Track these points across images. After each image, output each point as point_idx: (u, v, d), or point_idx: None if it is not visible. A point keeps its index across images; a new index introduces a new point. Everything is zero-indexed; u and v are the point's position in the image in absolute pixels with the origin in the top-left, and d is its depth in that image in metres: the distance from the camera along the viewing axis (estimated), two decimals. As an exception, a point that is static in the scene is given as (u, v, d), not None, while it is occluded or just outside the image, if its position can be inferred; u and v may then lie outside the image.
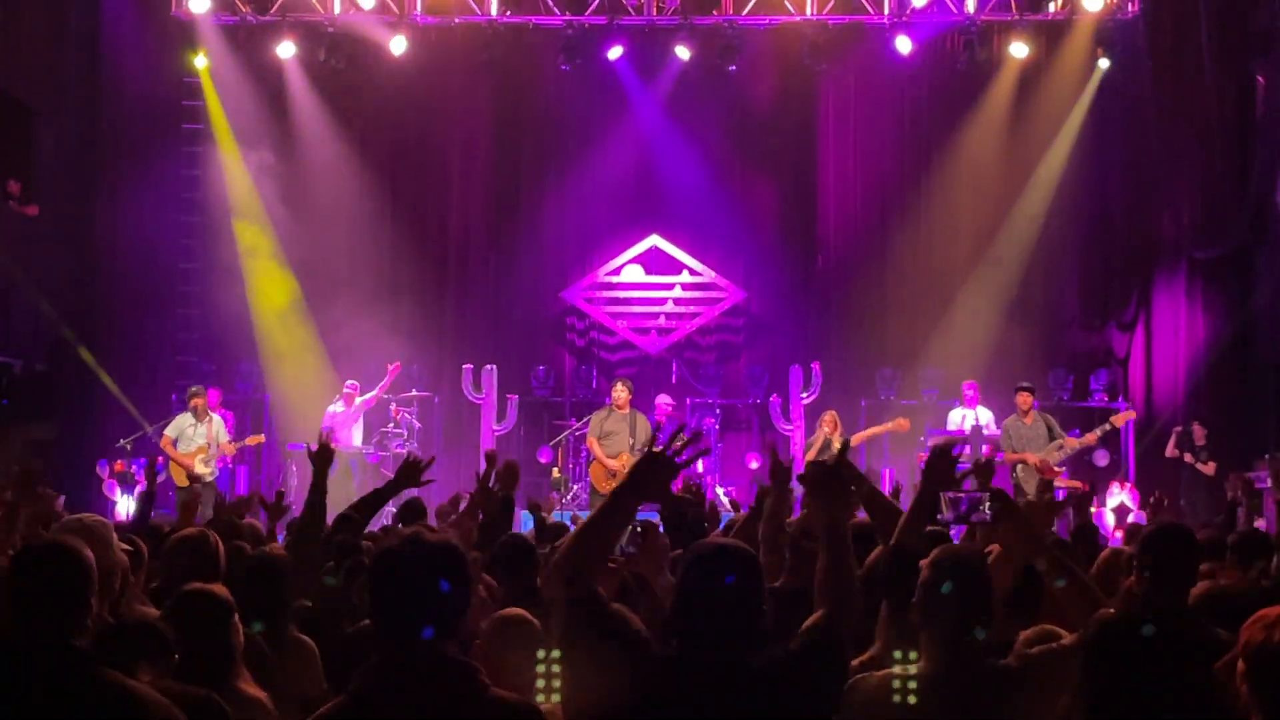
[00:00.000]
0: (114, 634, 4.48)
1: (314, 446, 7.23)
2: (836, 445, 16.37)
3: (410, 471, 7.40)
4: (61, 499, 13.81)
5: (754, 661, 3.89)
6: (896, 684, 4.33)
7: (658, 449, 4.14)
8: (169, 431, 16.64)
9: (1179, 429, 17.28)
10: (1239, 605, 4.80)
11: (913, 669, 4.37)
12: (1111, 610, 4.56)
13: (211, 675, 4.71)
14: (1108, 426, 16.69)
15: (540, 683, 4.01)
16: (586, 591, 3.99)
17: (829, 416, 17.10)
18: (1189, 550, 5.13)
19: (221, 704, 4.34)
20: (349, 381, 18.16)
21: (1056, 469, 16.08)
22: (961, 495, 5.08)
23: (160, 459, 17.03)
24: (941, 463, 5.39)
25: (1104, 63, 19.04)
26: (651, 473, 4.15)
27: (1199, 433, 17.25)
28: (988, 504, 4.95)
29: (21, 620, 3.87)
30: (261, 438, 17.61)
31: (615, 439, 16.29)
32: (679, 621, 3.95)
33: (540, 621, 5.23)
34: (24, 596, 3.90)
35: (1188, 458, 17.11)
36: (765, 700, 3.85)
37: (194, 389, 16.91)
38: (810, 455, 16.57)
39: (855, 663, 4.85)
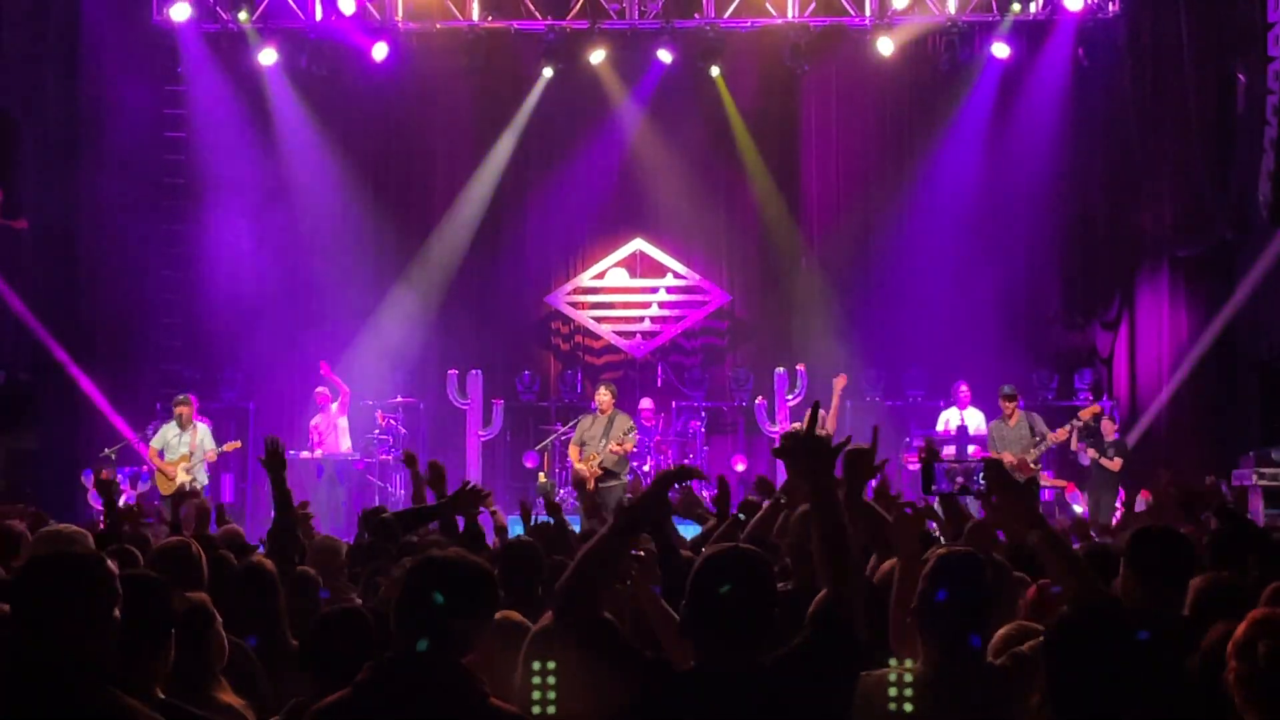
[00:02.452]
0: None
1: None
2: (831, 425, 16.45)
3: (467, 499, 7.33)
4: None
5: (765, 662, 3.87)
6: (893, 684, 4.34)
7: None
8: (154, 443, 16.56)
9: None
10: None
11: (911, 669, 4.39)
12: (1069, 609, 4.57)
13: (189, 684, 4.63)
14: (1077, 422, 16.64)
15: (535, 694, 4.02)
16: (591, 617, 4.00)
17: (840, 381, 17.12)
18: (1181, 553, 5.14)
19: None
20: (317, 390, 18.16)
21: (1033, 466, 16.06)
22: (956, 466, 5.09)
23: (145, 468, 17.08)
24: (859, 463, 5.27)
25: (1085, 62, 19.12)
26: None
27: (1108, 428, 17.16)
28: (980, 475, 4.95)
29: (30, 636, 3.72)
30: (238, 444, 17.50)
31: (593, 443, 16.25)
32: (692, 629, 3.94)
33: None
34: (33, 611, 3.71)
35: (1091, 453, 16.97)
36: (782, 700, 3.84)
37: (180, 397, 16.84)
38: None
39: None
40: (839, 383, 17.24)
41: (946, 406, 17.94)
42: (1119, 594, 5.15)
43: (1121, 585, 5.17)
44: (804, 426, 4.24)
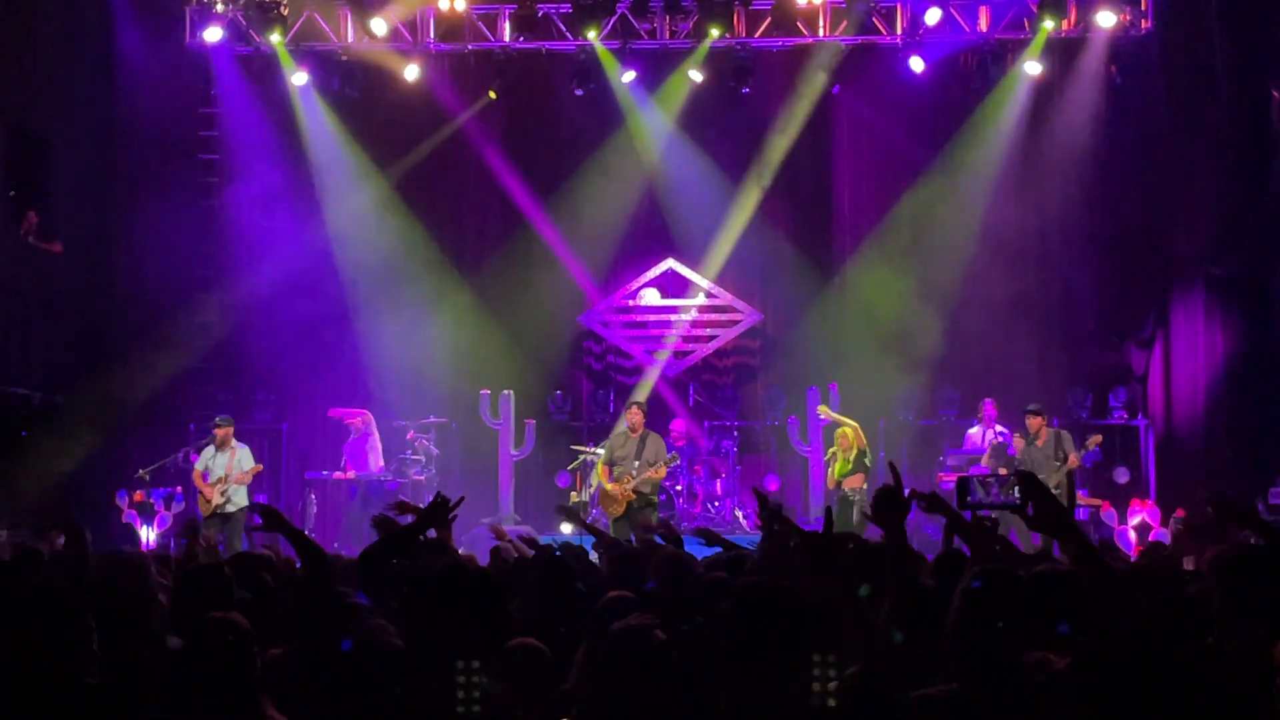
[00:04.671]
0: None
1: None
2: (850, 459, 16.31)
3: (437, 511, 6.92)
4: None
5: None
6: (931, 704, 4.31)
7: None
8: (199, 465, 16.51)
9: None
10: None
11: (948, 689, 4.36)
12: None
13: (237, 705, 4.66)
14: (1085, 449, 16.47)
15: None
16: None
17: (841, 434, 16.87)
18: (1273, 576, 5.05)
19: None
20: (362, 412, 18.21)
21: (1054, 490, 15.89)
22: (991, 479, 5.10)
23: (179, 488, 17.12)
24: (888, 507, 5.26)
25: (1117, 79, 19.03)
26: None
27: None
28: (1016, 487, 4.94)
29: (33, 660, 3.85)
30: (259, 467, 17.41)
31: (624, 463, 16.18)
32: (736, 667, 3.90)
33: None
34: (34, 638, 3.91)
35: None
36: None
37: (219, 420, 16.78)
38: (832, 480, 16.45)
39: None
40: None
41: (974, 425, 17.84)
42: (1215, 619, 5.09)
43: (1216, 612, 5.09)
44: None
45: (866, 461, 16.56)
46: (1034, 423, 16.23)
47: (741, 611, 3.91)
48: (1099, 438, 16.87)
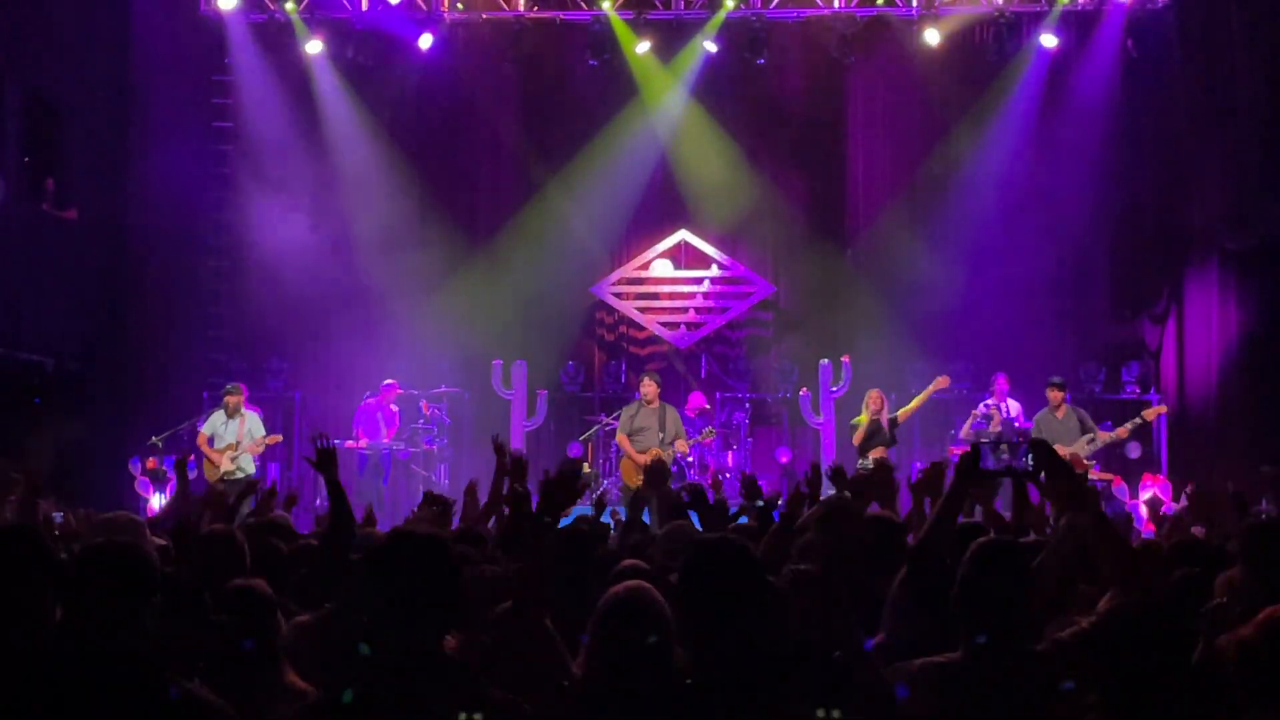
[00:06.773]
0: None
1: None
2: (884, 424, 16.32)
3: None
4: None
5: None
6: (935, 672, 4.32)
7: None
8: (204, 429, 16.66)
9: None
10: None
11: (953, 657, 4.37)
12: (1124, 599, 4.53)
13: (258, 669, 4.69)
14: (1139, 420, 16.53)
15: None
16: None
17: (874, 395, 16.82)
18: None
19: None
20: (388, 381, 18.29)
21: (1086, 462, 15.94)
22: (1004, 447, 5.09)
23: (191, 456, 17.18)
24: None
25: (1134, 53, 18.96)
26: None
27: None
28: (1028, 455, 4.94)
29: (84, 622, 3.80)
30: (279, 438, 17.53)
31: (645, 434, 16.18)
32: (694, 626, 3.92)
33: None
34: (86, 598, 3.84)
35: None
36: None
37: (229, 386, 16.91)
38: (858, 437, 16.45)
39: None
40: (938, 384, 17.20)
41: (985, 399, 17.83)
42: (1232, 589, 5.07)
43: (1239, 579, 5.08)
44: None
45: (894, 434, 16.61)
46: (1055, 395, 16.27)
47: (694, 566, 3.94)
48: (1163, 408, 16.97)
